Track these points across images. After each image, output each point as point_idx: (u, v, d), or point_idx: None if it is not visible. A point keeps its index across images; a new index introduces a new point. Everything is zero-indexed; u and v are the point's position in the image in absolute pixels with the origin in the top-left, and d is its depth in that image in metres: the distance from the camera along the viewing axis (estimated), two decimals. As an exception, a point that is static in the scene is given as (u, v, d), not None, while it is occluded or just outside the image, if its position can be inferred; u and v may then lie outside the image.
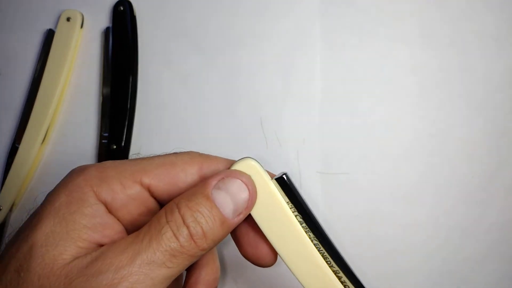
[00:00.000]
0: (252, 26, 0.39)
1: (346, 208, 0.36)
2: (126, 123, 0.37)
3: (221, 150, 0.36)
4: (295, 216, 0.23)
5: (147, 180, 0.22)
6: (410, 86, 0.38)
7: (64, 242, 0.20)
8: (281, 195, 0.23)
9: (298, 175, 0.37)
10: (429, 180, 0.37)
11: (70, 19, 0.38)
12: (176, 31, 0.39)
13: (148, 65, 0.38)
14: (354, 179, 0.37)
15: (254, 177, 0.22)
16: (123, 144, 0.36)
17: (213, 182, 0.21)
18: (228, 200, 0.21)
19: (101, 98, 0.38)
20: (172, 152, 0.24)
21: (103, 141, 0.37)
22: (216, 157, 0.24)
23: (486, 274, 0.36)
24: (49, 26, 0.39)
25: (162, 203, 0.23)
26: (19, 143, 0.37)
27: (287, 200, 0.23)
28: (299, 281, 0.23)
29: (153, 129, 0.38)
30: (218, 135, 0.38)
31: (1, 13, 0.39)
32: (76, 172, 0.22)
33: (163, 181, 0.23)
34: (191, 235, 0.20)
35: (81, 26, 0.38)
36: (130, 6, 0.38)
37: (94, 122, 0.38)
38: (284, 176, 0.23)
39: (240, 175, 0.22)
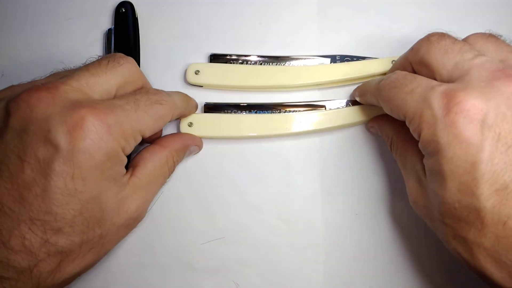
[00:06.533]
0: (255, 27, 0.39)
1: (346, 207, 0.37)
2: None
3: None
4: None
5: (147, 133, 0.30)
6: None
7: None
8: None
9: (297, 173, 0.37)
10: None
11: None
12: (178, 33, 0.39)
13: (150, 66, 0.39)
14: (353, 177, 0.37)
15: None
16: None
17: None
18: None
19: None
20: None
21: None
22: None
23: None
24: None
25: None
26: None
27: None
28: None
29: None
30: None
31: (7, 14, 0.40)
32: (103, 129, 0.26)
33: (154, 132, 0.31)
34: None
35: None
36: (132, 7, 0.39)
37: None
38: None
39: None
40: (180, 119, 0.37)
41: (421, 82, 0.27)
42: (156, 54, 0.39)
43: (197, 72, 0.37)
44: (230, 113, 0.37)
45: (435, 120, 0.25)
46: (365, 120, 0.37)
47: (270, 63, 0.38)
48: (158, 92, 0.31)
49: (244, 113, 0.37)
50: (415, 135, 0.27)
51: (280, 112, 0.37)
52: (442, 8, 0.40)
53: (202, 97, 0.38)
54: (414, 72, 0.31)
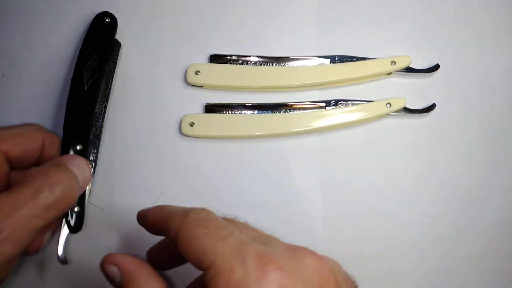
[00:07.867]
0: (255, 28, 0.40)
1: (346, 207, 0.37)
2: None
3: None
4: None
5: (4, 147, 0.30)
6: (408, 86, 0.39)
7: None
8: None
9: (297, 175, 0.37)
10: (427, 179, 0.37)
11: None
12: (179, 33, 0.39)
13: (150, 67, 0.39)
14: (353, 178, 0.37)
15: None
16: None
17: (66, 159, 0.31)
18: (78, 171, 0.30)
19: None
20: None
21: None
22: (54, 134, 0.34)
23: (482, 272, 0.36)
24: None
25: (13, 166, 0.31)
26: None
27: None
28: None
29: (127, 131, 0.38)
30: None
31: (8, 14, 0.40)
32: None
33: (18, 148, 0.31)
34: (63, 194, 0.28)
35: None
36: (112, 17, 0.38)
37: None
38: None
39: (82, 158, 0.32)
40: (182, 119, 0.37)
41: (233, 232, 0.24)
42: (157, 54, 0.39)
43: (197, 73, 0.38)
44: (230, 113, 0.38)
45: (247, 281, 0.22)
46: (365, 120, 0.37)
47: (270, 64, 0.39)
48: None
49: (244, 113, 0.38)
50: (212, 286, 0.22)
51: (280, 112, 0.38)
52: (443, 8, 0.40)
53: (202, 97, 0.38)
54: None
